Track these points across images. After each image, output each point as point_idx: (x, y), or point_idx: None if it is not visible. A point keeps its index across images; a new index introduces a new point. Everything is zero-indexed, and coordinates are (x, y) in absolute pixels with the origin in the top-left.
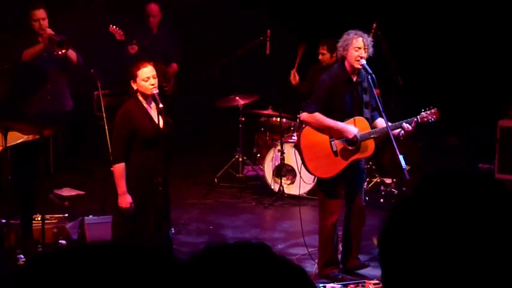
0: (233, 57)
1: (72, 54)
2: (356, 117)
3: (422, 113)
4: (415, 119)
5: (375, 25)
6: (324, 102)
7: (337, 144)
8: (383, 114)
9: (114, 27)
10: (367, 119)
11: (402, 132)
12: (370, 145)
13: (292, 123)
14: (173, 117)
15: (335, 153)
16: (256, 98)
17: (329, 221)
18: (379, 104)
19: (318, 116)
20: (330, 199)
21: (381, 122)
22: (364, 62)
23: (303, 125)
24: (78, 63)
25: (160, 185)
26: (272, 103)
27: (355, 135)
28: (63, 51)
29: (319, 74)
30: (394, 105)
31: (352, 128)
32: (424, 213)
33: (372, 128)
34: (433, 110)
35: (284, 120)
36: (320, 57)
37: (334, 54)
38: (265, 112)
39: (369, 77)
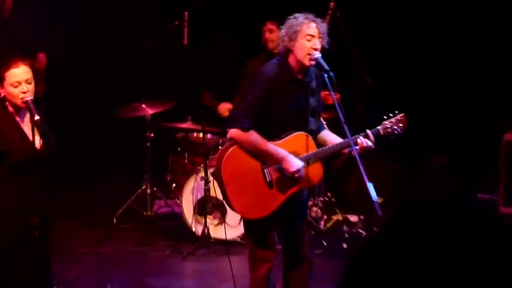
0: (138, 50)
1: None
2: (296, 134)
3: (385, 121)
4: (377, 130)
5: (332, 4)
6: (261, 112)
7: (272, 173)
8: (346, 127)
9: None
10: (311, 131)
11: (356, 148)
12: (317, 170)
13: (221, 141)
14: (55, 132)
15: (269, 184)
16: (171, 106)
17: (260, 271)
18: (339, 113)
19: (254, 137)
20: (261, 245)
21: (331, 138)
22: (318, 55)
23: (227, 145)
24: None
25: (37, 227)
26: (192, 113)
27: (299, 171)
28: None
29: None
30: (361, 114)
31: (296, 162)
32: (396, 261)
33: (317, 144)
34: (398, 117)
35: (209, 136)
36: (267, 35)
37: None
38: (183, 125)
39: (325, 75)
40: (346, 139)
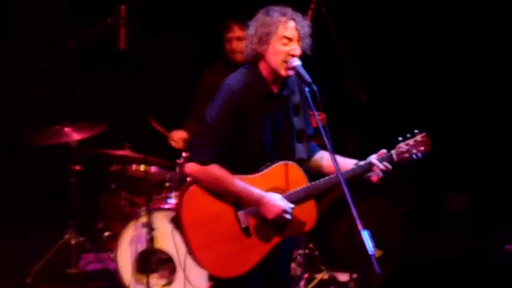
0: (59, 55)
1: None
2: (278, 164)
3: (401, 144)
4: (390, 155)
5: None
6: (227, 140)
7: (248, 217)
8: (333, 157)
9: None
10: (300, 160)
11: (374, 176)
12: (309, 211)
13: (168, 176)
14: None
15: (246, 232)
16: (103, 130)
17: None
18: (324, 138)
19: (215, 173)
20: None
21: (328, 161)
22: (298, 63)
23: (189, 182)
24: None
25: None
26: (132, 138)
27: (283, 214)
28: None
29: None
30: (353, 138)
31: (278, 202)
32: None
33: (311, 173)
34: (418, 138)
35: (154, 169)
36: (234, 44)
37: None
38: (120, 153)
39: (306, 89)
40: (355, 166)
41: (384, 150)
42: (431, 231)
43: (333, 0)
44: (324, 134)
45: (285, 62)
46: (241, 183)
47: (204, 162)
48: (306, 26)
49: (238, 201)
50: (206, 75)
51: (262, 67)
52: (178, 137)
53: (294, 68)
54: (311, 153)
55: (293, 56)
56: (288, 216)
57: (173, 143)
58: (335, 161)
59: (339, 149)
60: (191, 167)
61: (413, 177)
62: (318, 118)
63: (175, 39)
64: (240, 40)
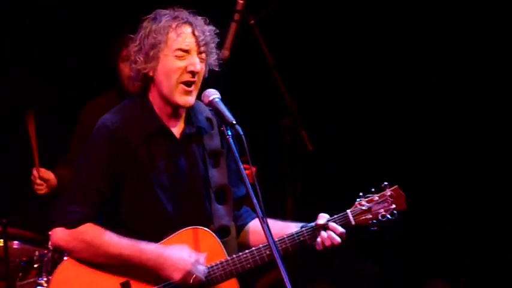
0: None
1: None
2: (187, 229)
3: (361, 200)
4: (345, 215)
5: (241, 2)
6: (102, 194)
7: None
8: (262, 221)
9: None
10: (223, 229)
11: (318, 243)
12: None
13: (37, 253)
14: None
15: None
16: None
17: None
18: (254, 201)
19: (89, 233)
20: None
21: (259, 234)
22: (216, 95)
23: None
24: None
25: None
26: None
27: (193, 273)
28: None
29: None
30: (294, 200)
31: (185, 259)
32: None
33: (233, 249)
34: (387, 192)
35: (16, 245)
36: (121, 66)
37: None
38: None
39: (228, 133)
40: (287, 235)
41: (324, 214)
42: None
43: (264, 11)
44: (251, 194)
45: (182, 83)
46: (126, 241)
47: (71, 224)
48: (208, 31)
49: (126, 270)
50: (90, 107)
51: (153, 96)
52: (44, 177)
53: (210, 104)
54: (242, 220)
55: (192, 73)
56: (201, 275)
57: (37, 185)
58: (267, 227)
59: (277, 212)
60: (57, 235)
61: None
62: (244, 173)
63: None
64: (125, 61)
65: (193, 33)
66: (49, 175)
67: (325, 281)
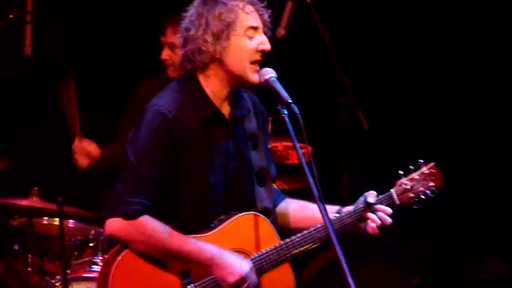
0: None
1: None
2: (238, 216)
3: (402, 179)
4: (389, 195)
5: None
6: (159, 182)
7: None
8: (321, 205)
9: None
10: (265, 210)
11: (370, 226)
12: (284, 281)
13: (92, 233)
14: None
15: None
16: (0, 168)
17: None
18: (310, 181)
19: (150, 226)
20: None
21: (299, 212)
22: (273, 74)
23: (113, 251)
24: None
25: None
26: (41, 180)
27: (245, 279)
28: None
29: None
30: (351, 179)
31: (240, 263)
32: None
33: (280, 235)
34: (425, 169)
35: (72, 224)
36: (165, 54)
37: None
38: (24, 203)
39: (283, 110)
40: (341, 213)
41: (372, 192)
42: None
43: None
44: (307, 174)
45: (254, 62)
46: (189, 239)
47: (130, 215)
48: (265, 10)
49: (185, 266)
50: (138, 91)
51: (207, 79)
52: (87, 148)
53: (266, 83)
54: (274, 201)
55: (263, 51)
56: (251, 282)
57: (77, 157)
58: (324, 211)
59: (330, 195)
60: (114, 225)
61: (428, 235)
62: (300, 152)
63: (103, 43)
64: (173, 49)
65: (257, 11)
66: (91, 146)
67: (380, 260)
